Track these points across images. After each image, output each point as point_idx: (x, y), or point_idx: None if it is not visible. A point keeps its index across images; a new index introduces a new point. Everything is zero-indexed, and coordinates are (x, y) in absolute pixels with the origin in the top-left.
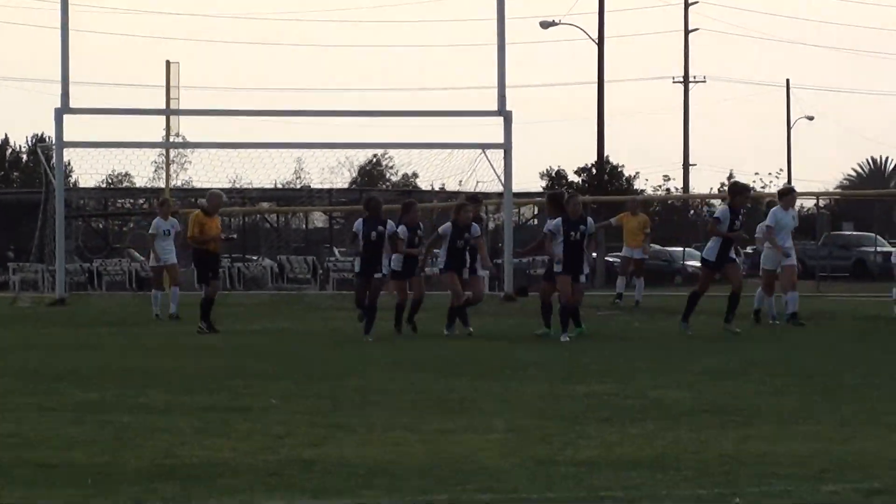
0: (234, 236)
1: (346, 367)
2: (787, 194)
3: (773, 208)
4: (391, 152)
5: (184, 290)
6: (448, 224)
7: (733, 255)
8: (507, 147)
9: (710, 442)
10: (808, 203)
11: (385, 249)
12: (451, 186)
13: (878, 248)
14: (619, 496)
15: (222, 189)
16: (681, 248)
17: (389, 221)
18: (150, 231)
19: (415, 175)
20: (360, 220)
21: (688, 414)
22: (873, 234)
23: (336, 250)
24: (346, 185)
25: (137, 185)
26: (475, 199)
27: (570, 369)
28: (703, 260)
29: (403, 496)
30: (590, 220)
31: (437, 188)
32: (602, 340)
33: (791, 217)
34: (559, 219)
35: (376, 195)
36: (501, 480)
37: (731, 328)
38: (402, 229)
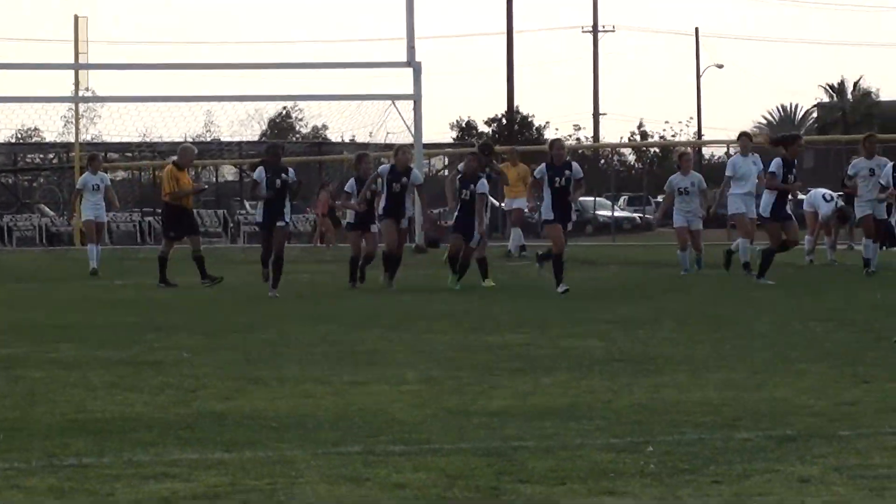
0: (206, 187)
1: (259, 321)
2: (741, 137)
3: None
4: (301, 104)
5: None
6: (386, 165)
7: (789, 211)
8: (416, 98)
9: (622, 391)
10: (719, 151)
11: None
12: (362, 138)
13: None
14: (531, 445)
15: (131, 143)
16: (591, 198)
17: (291, 169)
18: (77, 186)
19: (325, 127)
20: (261, 168)
21: (600, 363)
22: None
23: (247, 203)
24: (255, 138)
25: (47, 140)
26: (485, 148)
27: (482, 320)
28: (760, 216)
29: (315, 448)
30: (575, 164)
31: (347, 140)
32: (514, 291)
33: (752, 162)
34: (543, 164)
35: (277, 142)
36: (414, 431)
37: (763, 281)
38: (350, 184)
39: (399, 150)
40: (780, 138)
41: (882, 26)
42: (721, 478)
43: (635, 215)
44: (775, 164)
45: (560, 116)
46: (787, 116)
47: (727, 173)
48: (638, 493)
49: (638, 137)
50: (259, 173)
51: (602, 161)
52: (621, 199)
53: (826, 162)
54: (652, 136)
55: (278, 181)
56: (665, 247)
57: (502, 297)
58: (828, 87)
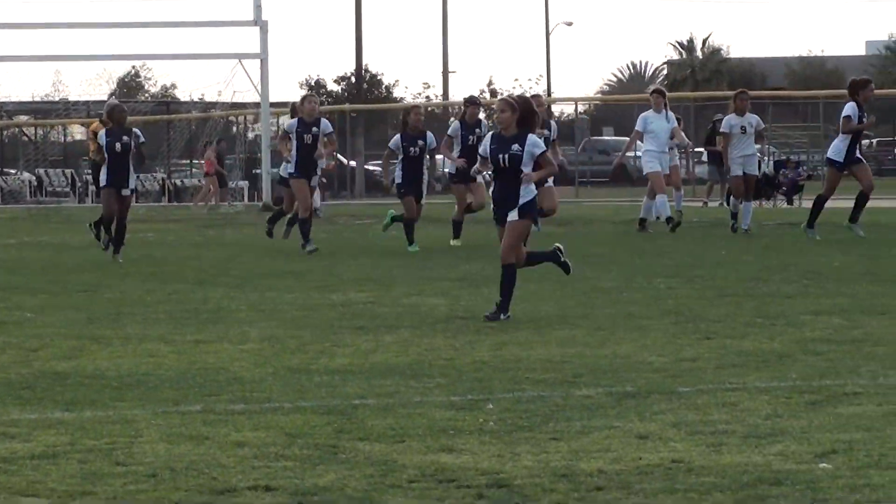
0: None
1: (103, 281)
2: (653, 93)
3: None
4: (150, 63)
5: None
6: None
7: (860, 155)
8: (263, 56)
9: (464, 349)
10: (568, 109)
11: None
12: (210, 97)
13: (638, 153)
14: (371, 403)
15: None
16: (441, 156)
17: (136, 130)
18: None
19: (173, 86)
20: (104, 130)
21: (443, 321)
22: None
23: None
24: (104, 97)
25: None
26: (472, 101)
27: (326, 279)
28: (829, 160)
29: (156, 407)
30: (553, 123)
31: (195, 99)
32: (360, 250)
33: (665, 118)
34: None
35: (119, 103)
36: (255, 390)
37: (856, 231)
38: (290, 123)
39: (410, 112)
40: (854, 83)
41: None
42: (560, 435)
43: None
44: (850, 107)
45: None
46: (636, 74)
47: (637, 128)
48: (476, 451)
49: (488, 95)
50: (101, 136)
51: (452, 119)
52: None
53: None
54: (501, 94)
55: (118, 144)
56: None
57: (346, 257)
58: (677, 45)
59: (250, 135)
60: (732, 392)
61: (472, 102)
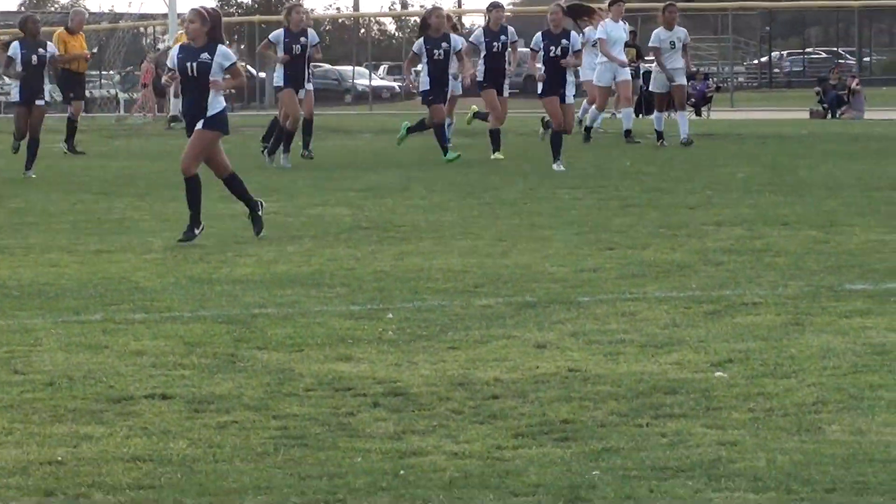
0: (94, 51)
1: (5, 190)
2: (615, 3)
3: (604, 20)
4: None
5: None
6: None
7: None
8: None
9: (366, 259)
10: (479, 20)
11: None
12: (121, 7)
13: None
14: (271, 313)
15: None
16: (351, 68)
17: (50, 43)
18: None
19: None
20: (17, 42)
21: (347, 231)
22: None
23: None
24: (14, 9)
25: None
26: (496, 5)
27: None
28: None
29: (56, 316)
30: (574, 34)
31: (106, 10)
32: (260, 158)
33: (623, 29)
34: (539, 34)
35: (33, 15)
36: (156, 300)
37: None
38: (277, 34)
39: (291, 10)
40: None
41: None
42: (458, 343)
43: (395, 84)
44: None
45: None
46: None
47: (600, 36)
48: (374, 360)
49: (398, 7)
50: (14, 48)
51: (362, 31)
52: (381, 69)
53: None
54: (412, 6)
55: (35, 57)
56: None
57: (252, 168)
58: None
59: (161, 46)
60: (632, 302)
61: (495, 6)
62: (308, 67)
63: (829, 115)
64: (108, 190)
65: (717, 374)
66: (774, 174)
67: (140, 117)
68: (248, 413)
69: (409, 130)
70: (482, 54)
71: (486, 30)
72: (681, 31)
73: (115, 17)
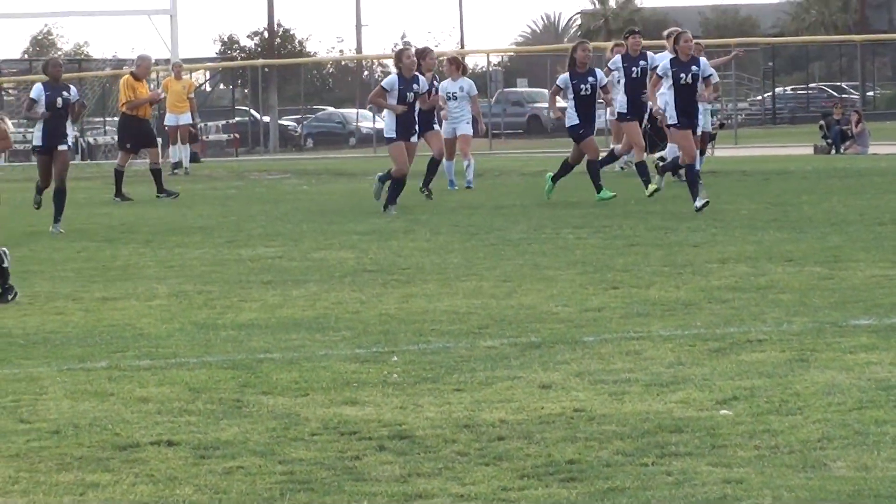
0: (164, 95)
1: (12, 238)
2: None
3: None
4: (61, 21)
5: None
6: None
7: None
8: (172, 13)
9: (371, 302)
10: (481, 61)
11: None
12: (123, 54)
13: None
14: (276, 357)
15: None
16: (355, 111)
17: (73, 87)
18: None
19: (86, 44)
20: (40, 85)
21: (351, 274)
22: (546, 91)
23: (8, 121)
24: (17, 56)
25: None
26: (633, 31)
27: (235, 234)
28: None
29: (61, 364)
30: (703, 61)
31: (109, 56)
32: (271, 205)
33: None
34: (667, 61)
35: (56, 58)
36: (161, 346)
37: None
38: (391, 80)
39: (422, 54)
40: None
41: None
42: (463, 385)
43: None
44: None
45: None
46: (550, 25)
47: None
48: (379, 403)
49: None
50: (37, 91)
51: (366, 73)
52: (385, 111)
53: None
54: (415, 47)
55: (59, 100)
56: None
57: (256, 212)
58: None
59: (161, 91)
60: (636, 341)
61: (633, 33)
62: (433, 112)
63: (834, 151)
64: (112, 237)
65: (723, 412)
66: (778, 211)
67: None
68: (254, 458)
69: (555, 178)
70: (621, 83)
71: (674, 61)
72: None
73: (119, 63)
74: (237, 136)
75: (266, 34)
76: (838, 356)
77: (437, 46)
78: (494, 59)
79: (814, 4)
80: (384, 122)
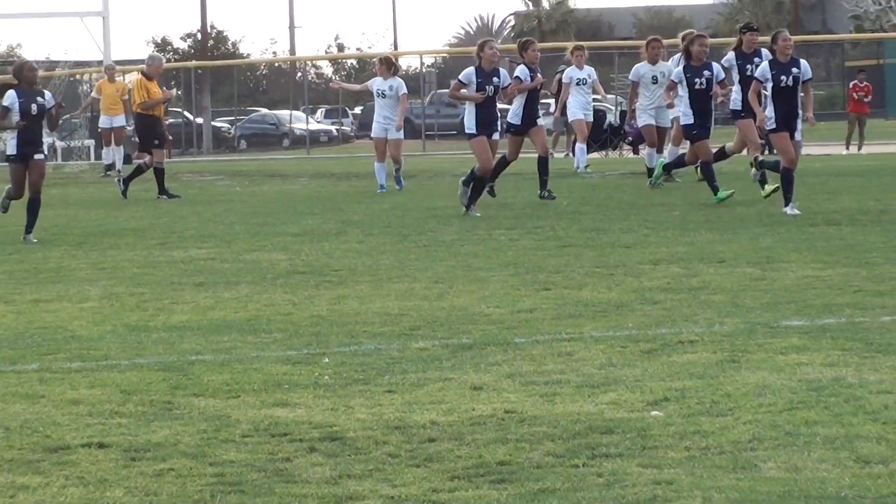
0: (174, 93)
1: None
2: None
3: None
4: None
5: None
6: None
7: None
8: (104, 14)
9: (303, 303)
10: (414, 62)
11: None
12: (56, 55)
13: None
14: (208, 359)
15: None
16: (288, 112)
17: (47, 92)
18: None
19: (19, 45)
20: (12, 91)
21: (283, 276)
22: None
23: None
24: None
25: None
26: (749, 27)
27: (167, 236)
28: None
29: None
30: (804, 63)
31: (42, 58)
32: (199, 204)
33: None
34: (766, 62)
35: (29, 62)
36: (92, 348)
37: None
38: (468, 73)
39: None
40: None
41: None
42: (394, 387)
43: (332, 128)
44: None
45: (256, 30)
46: (483, 26)
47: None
48: (310, 404)
49: (335, 50)
50: (10, 97)
51: (299, 74)
52: (318, 112)
53: None
54: (349, 49)
55: (34, 106)
56: (359, 159)
57: (189, 213)
58: None
59: (95, 93)
60: (568, 342)
61: (750, 29)
62: (536, 107)
63: (767, 151)
64: (44, 239)
65: (653, 413)
66: (711, 212)
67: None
68: (185, 460)
69: (666, 168)
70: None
71: (773, 62)
72: (666, 66)
73: (52, 64)
74: (170, 137)
75: (199, 36)
76: (769, 357)
77: (370, 48)
78: (428, 60)
79: (747, 6)
80: (465, 118)
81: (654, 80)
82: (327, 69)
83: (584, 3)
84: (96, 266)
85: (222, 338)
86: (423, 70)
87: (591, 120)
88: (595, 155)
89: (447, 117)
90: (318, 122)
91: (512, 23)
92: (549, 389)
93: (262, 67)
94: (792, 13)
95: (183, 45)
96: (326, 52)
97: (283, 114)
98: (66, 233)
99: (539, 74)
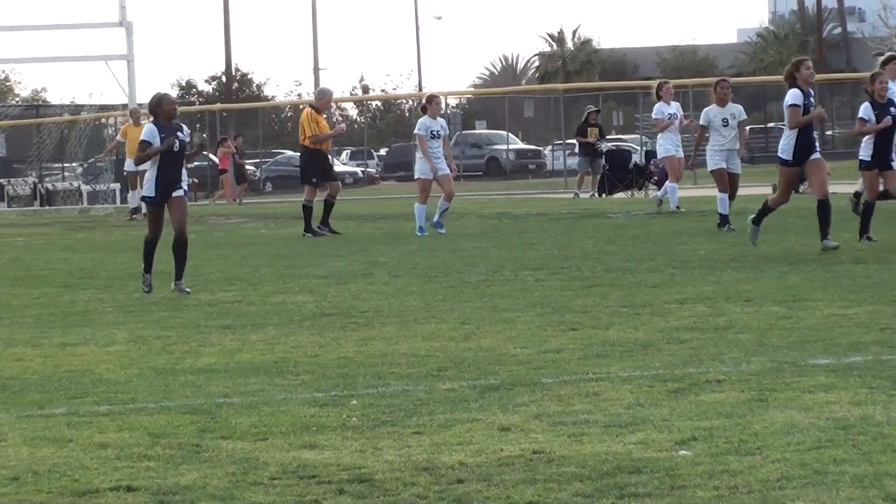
0: (344, 128)
1: None
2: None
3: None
4: (18, 67)
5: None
6: None
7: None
8: (129, 58)
9: (330, 345)
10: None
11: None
12: (81, 99)
13: (510, 146)
14: (235, 402)
15: None
16: None
17: (185, 126)
18: None
19: (44, 89)
20: (151, 126)
21: (310, 318)
22: (505, 133)
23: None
24: None
25: None
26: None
27: (193, 279)
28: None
29: (20, 411)
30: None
31: (66, 102)
32: (225, 248)
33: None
34: (867, 103)
35: (168, 94)
36: (120, 391)
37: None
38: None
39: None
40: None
41: None
42: (422, 428)
43: (357, 170)
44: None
45: (280, 73)
46: (508, 66)
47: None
48: (338, 446)
49: (360, 91)
50: (150, 132)
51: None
52: (344, 154)
53: (546, 111)
54: (373, 90)
55: (176, 141)
56: (385, 201)
57: (215, 256)
58: (548, 37)
59: (120, 137)
60: (595, 382)
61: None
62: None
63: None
64: (70, 282)
65: (682, 452)
66: (737, 250)
67: (224, 204)
68: (214, 503)
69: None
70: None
71: (874, 103)
72: (736, 108)
73: (77, 108)
74: (196, 180)
75: (224, 78)
76: (797, 396)
77: (395, 90)
78: (453, 101)
79: (771, 44)
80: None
81: (725, 123)
82: (352, 111)
83: (608, 43)
84: (123, 309)
85: (249, 380)
86: (449, 111)
87: (682, 156)
88: (620, 195)
89: (473, 158)
90: (344, 163)
91: (536, 63)
92: (576, 430)
93: (287, 109)
94: (817, 52)
95: (207, 88)
96: (351, 94)
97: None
98: (93, 276)
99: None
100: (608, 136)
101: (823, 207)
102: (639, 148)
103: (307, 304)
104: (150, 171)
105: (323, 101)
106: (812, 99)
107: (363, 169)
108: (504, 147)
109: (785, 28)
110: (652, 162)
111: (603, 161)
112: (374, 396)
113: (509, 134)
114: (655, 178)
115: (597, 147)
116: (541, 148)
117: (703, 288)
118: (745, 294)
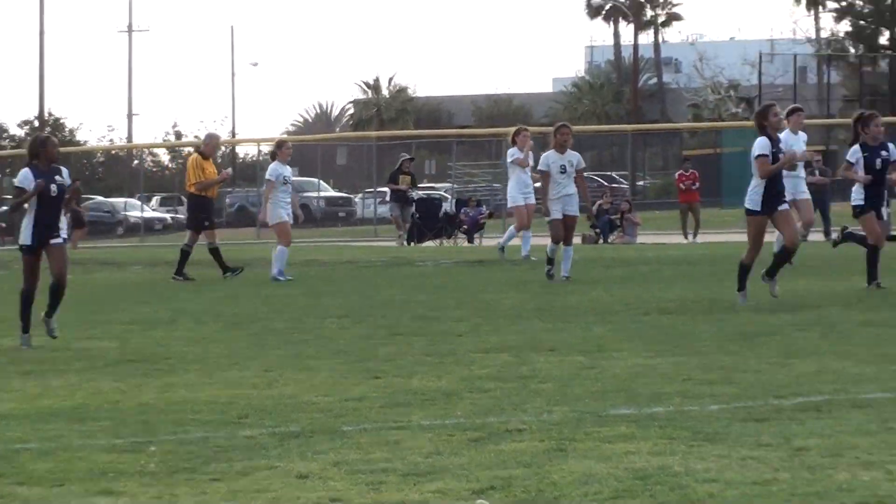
0: (230, 173)
1: None
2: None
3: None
4: None
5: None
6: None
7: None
8: None
9: (131, 391)
10: (252, 150)
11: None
12: None
13: (321, 193)
14: (33, 448)
15: None
16: (123, 200)
17: (64, 169)
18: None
19: None
20: (28, 169)
21: (112, 364)
22: (316, 180)
23: None
24: None
25: None
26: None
27: None
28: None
29: None
30: (892, 146)
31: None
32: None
33: (802, 140)
34: (857, 146)
35: (51, 136)
36: None
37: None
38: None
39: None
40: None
41: (414, 25)
42: (220, 475)
43: (167, 216)
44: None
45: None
46: (323, 113)
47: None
48: (135, 493)
49: (172, 137)
50: (25, 176)
51: (135, 161)
52: (154, 200)
53: (359, 158)
54: (186, 136)
55: (54, 186)
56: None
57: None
58: (363, 84)
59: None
60: (396, 430)
61: (873, 116)
62: None
63: (602, 240)
64: None
65: (479, 501)
66: (543, 300)
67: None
68: None
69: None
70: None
71: (864, 145)
72: (574, 156)
73: None
74: (3, 224)
75: (37, 122)
76: (597, 445)
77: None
78: (265, 148)
79: (586, 94)
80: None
81: (563, 170)
82: (164, 156)
83: (424, 91)
84: None
85: (48, 426)
86: (261, 157)
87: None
88: (429, 243)
89: None
90: (154, 209)
91: (351, 111)
92: (374, 478)
93: (99, 154)
94: (632, 102)
95: (20, 132)
96: (164, 140)
97: (118, 201)
98: None
99: None
100: (420, 185)
101: (785, 253)
102: (450, 197)
103: (110, 350)
104: (26, 217)
105: (210, 145)
106: (781, 145)
107: (172, 215)
108: (315, 194)
109: (601, 78)
110: (462, 211)
111: (413, 209)
112: (174, 443)
113: (320, 181)
114: (465, 226)
115: (408, 194)
116: (351, 196)
117: (508, 337)
118: (549, 344)
